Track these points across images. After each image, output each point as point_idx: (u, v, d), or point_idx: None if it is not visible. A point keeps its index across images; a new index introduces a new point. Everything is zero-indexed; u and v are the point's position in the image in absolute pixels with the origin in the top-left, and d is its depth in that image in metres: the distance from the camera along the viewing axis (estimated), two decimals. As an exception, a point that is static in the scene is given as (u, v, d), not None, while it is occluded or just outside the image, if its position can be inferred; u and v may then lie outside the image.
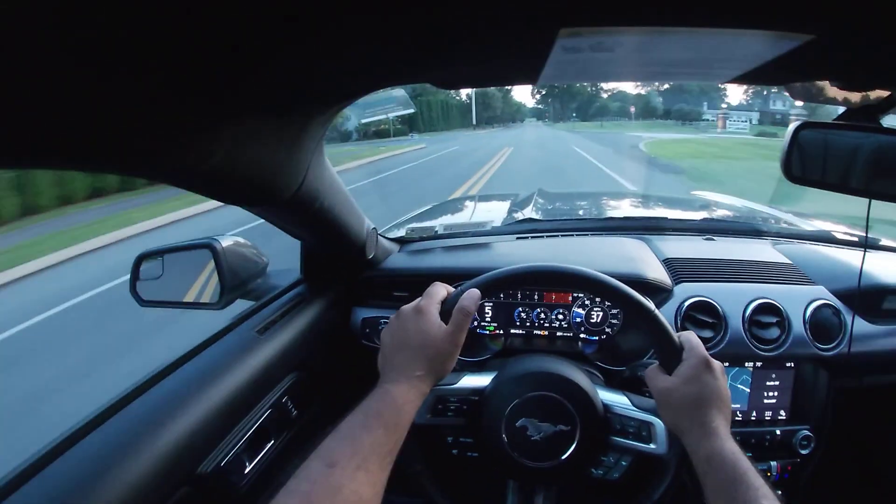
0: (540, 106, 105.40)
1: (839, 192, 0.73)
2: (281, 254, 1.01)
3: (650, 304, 0.63)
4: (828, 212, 1.81)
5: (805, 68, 0.55)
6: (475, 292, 0.60)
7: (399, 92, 1.10)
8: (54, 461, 0.51)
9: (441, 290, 0.62)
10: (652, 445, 0.64)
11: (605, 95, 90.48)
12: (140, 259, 0.95)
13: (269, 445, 0.77)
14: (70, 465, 0.51)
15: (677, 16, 0.35)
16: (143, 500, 0.52)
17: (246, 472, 0.72)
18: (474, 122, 54.39)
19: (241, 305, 0.89)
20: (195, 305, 0.93)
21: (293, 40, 0.37)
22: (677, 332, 0.62)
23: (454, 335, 0.57)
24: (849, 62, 0.53)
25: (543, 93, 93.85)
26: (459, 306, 0.58)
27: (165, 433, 0.58)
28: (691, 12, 0.34)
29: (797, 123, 0.71)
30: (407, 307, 0.60)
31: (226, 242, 0.88)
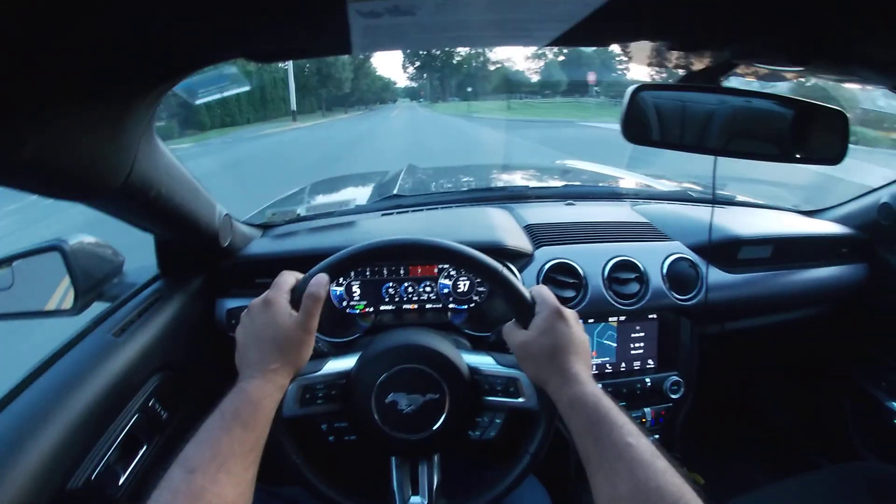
0: (414, 84, 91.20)
1: (682, 151, 0.77)
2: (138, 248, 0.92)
3: (497, 265, 0.64)
4: (682, 173, 1.90)
5: (631, 26, 0.57)
6: (323, 276, 0.60)
7: (231, 69, 1.05)
8: None
9: (289, 277, 0.61)
10: (521, 399, 0.67)
11: (492, 68, 77.81)
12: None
13: (142, 452, 0.74)
14: None
15: None
16: None
17: (120, 482, 0.69)
18: (293, 107, 32.34)
19: (98, 309, 0.83)
20: (49, 314, 0.86)
21: (85, 16, 0.34)
22: None
23: (305, 322, 0.57)
24: (683, 23, 0.55)
25: (418, 65, 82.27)
26: (308, 293, 0.58)
27: (27, 451, 0.54)
28: None
29: (634, 86, 0.73)
30: (256, 300, 0.59)
31: (74, 242, 0.81)
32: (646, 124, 0.74)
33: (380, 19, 0.46)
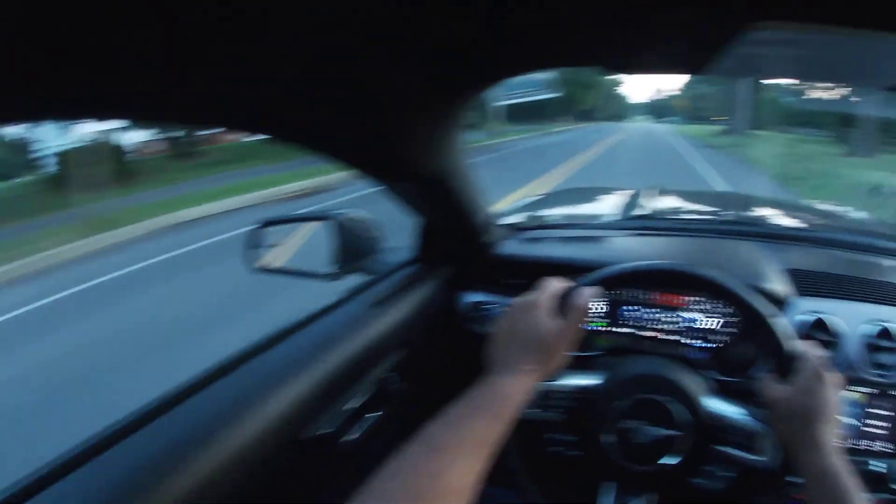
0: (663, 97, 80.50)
1: None
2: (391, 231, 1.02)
3: (770, 309, 0.62)
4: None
5: None
6: (592, 289, 0.58)
7: (543, 74, 1.07)
8: (167, 412, 0.53)
9: (556, 284, 0.61)
10: (759, 456, 0.63)
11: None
12: (263, 225, 0.99)
13: (372, 417, 0.78)
14: (177, 422, 0.52)
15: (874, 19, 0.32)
16: (248, 459, 0.54)
17: (350, 440, 0.74)
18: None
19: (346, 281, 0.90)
20: (310, 275, 0.96)
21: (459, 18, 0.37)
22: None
23: (567, 332, 0.57)
24: None
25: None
26: (577, 302, 0.57)
27: (277, 396, 0.59)
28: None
29: None
30: (520, 300, 0.59)
31: (346, 215, 0.90)
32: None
33: (758, 48, 0.43)
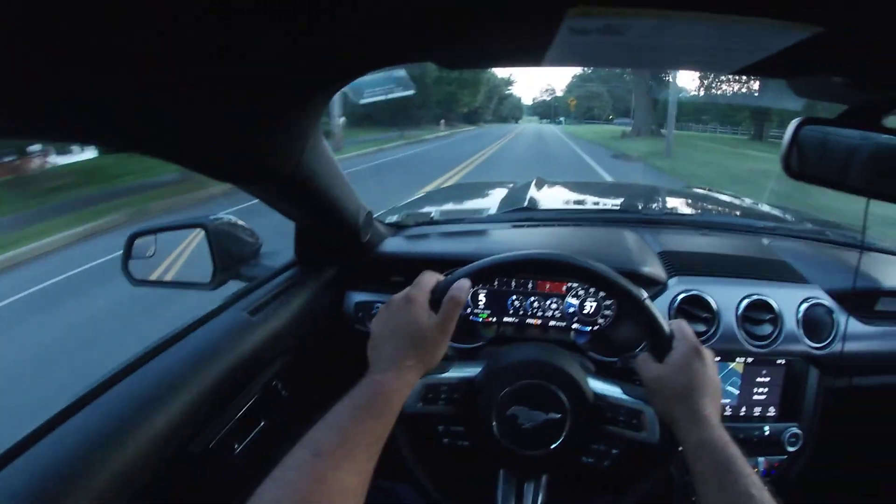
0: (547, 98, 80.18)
1: (838, 190, 0.73)
2: (273, 236, 1.00)
3: (641, 293, 0.63)
4: (824, 211, 1.76)
5: (812, 62, 0.55)
6: (465, 282, 0.60)
7: (400, 72, 1.08)
8: (44, 438, 0.50)
9: (431, 278, 0.62)
10: (643, 433, 0.64)
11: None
12: (133, 237, 0.94)
13: (259, 427, 0.77)
14: (60, 443, 0.50)
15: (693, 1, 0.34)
16: (135, 478, 0.52)
17: (235, 452, 0.72)
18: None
19: (231, 287, 0.88)
20: (187, 285, 0.92)
21: (294, 17, 0.37)
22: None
23: (443, 325, 0.57)
24: (860, 59, 0.53)
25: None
26: (449, 296, 0.58)
27: (156, 412, 0.57)
28: None
29: (799, 119, 0.70)
30: (396, 296, 0.60)
31: (219, 222, 0.87)
32: (807, 159, 0.71)
33: (586, 36, 0.46)
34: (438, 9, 0.39)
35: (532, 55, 0.51)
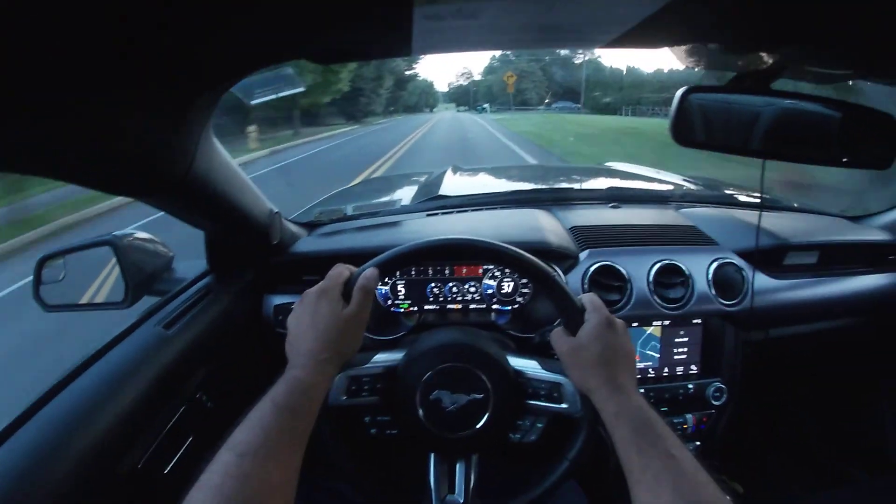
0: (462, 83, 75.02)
1: (728, 153, 0.77)
2: (188, 246, 0.96)
3: (548, 269, 0.64)
4: (728, 177, 1.85)
5: (687, 28, 0.57)
6: (374, 271, 0.61)
7: (287, 70, 1.07)
8: None
9: (343, 270, 0.62)
10: (563, 405, 0.66)
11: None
12: (42, 262, 0.89)
13: (188, 442, 0.75)
14: None
15: None
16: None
17: (166, 470, 0.70)
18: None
19: (148, 302, 0.85)
20: (101, 306, 0.88)
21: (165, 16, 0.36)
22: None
23: (357, 315, 0.58)
24: (738, 25, 0.56)
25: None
26: (359, 286, 0.59)
27: (78, 437, 0.56)
28: None
29: (684, 88, 0.74)
30: (310, 291, 0.60)
31: (127, 237, 0.84)
32: (694, 126, 0.75)
33: (443, 22, 0.47)
34: (300, 4, 0.39)
35: (399, 45, 0.52)
